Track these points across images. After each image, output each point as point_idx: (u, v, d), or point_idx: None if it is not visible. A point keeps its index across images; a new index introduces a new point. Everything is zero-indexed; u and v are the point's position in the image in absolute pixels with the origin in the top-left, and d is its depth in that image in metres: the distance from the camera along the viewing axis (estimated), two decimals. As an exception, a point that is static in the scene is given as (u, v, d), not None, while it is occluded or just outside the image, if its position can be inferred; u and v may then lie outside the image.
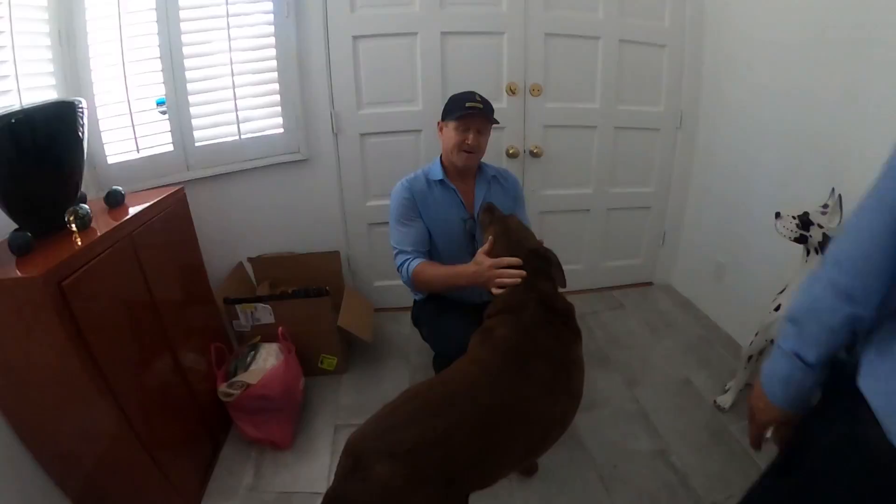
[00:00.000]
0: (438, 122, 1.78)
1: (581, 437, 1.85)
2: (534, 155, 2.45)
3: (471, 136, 1.68)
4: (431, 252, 1.77)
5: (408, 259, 1.70)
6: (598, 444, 1.83)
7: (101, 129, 1.92)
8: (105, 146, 1.95)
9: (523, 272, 1.38)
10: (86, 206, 1.48)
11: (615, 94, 2.43)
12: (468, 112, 1.65)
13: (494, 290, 1.41)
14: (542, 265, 1.42)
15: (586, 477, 1.70)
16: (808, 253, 1.64)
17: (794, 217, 1.61)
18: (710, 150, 2.49)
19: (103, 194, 1.67)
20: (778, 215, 1.64)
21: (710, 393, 2.04)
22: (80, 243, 1.37)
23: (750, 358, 1.91)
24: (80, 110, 1.48)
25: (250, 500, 1.67)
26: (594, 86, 2.41)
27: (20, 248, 1.30)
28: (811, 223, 1.58)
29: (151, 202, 1.66)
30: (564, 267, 1.44)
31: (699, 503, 1.59)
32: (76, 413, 1.40)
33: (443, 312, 1.75)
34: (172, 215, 1.76)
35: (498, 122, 1.75)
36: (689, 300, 2.74)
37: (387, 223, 2.29)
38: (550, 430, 1.30)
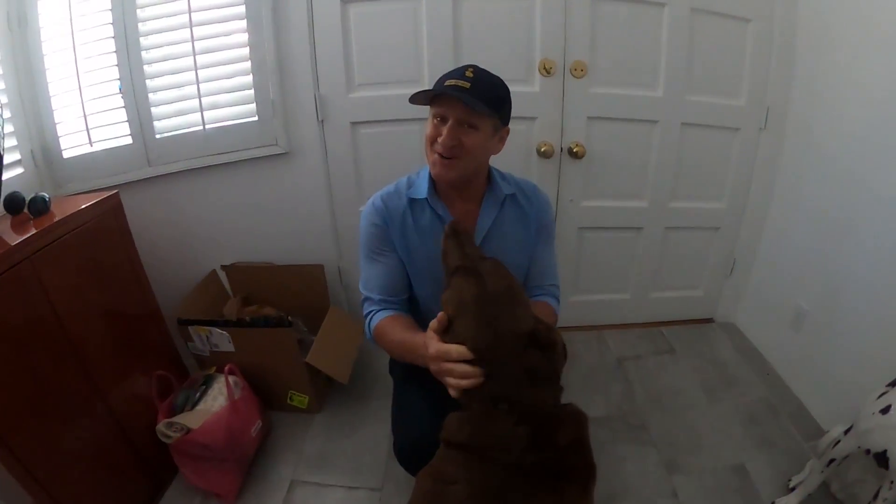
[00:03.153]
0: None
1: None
2: (573, 155, 1.94)
3: (445, 132, 1.11)
4: (412, 297, 1.34)
5: (372, 311, 1.28)
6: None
7: (56, 120, 1.71)
8: (60, 139, 1.73)
9: (477, 372, 0.88)
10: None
11: (684, 79, 1.87)
12: (448, 90, 1.09)
13: (451, 392, 0.95)
14: (540, 362, 0.91)
15: None
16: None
17: None
18: (801, 159, 1.90)
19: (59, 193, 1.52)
20: None
21: (769, 489, 1.56)
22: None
23: (832, 462, 1.42)
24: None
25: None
26: (656, 68, 1.85)
27: None
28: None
29: (67, 213, 1.39)
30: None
31: None
32: None
33: (408, 381, 1.33)
34: (101, 226, 1.50)
35: (487, 110, 1.11)
36: (756, 348, 2.19)
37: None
38: None
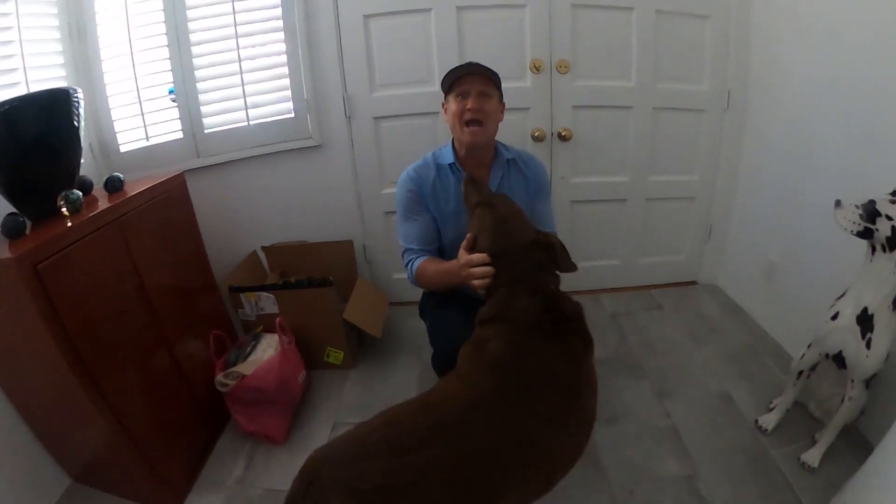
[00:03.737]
0: (442, 105, 1.57)
1: (598, 455, 1.65)
2: (562, 138, 2.23)
3: (471, 101, 1.43)
4: (441, 246, 1.62)
5: (413, 258, 1.57)
6: (617, 463, 1.62)
7: (113, 118, 1.95)
8: (117, 135, 1.97)
9: (490, 271, 1.18)
10: (77, 192, 1.47)
11: (653, 71, 2.17)
12: (464, 74, 1.44)
13: (478, 289, 1.22)
14: (543, 258, 1.20)
15: (597, 500, 1.50)
16: (874, 250, 1.35)
17: (857, 207, 1.32)
18: (762, 133, 2.17)
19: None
20: (838, 204, 1.36)
21: (752, 410, 1.77)
22: (69, 227, 1.35)
23: (800, 374, 1.64)
24: (76, 99, 1.49)
25: (237, 494, 1.62)
26: (629, 62, 2.16)
27: (12, 232, 1.31)
28: (878, 214, 1.29)
29: (144, 188, 1.63)
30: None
31: (727, 540, 1.36)
32: (61, 399, 1.39)
33: (443, 305, 1.59)
34: (169, 200, 1.73)
35: (498, 78, 1.48)
36: (737, 303, 2.43)
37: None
38: (555, 471, 1.09)
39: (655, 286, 2.58)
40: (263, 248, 2.26)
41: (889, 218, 1.27)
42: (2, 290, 1.21)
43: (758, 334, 2.19)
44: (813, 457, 1.53)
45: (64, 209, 1.42)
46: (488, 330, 1.15)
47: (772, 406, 1.74)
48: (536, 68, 2.14)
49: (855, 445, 1.55)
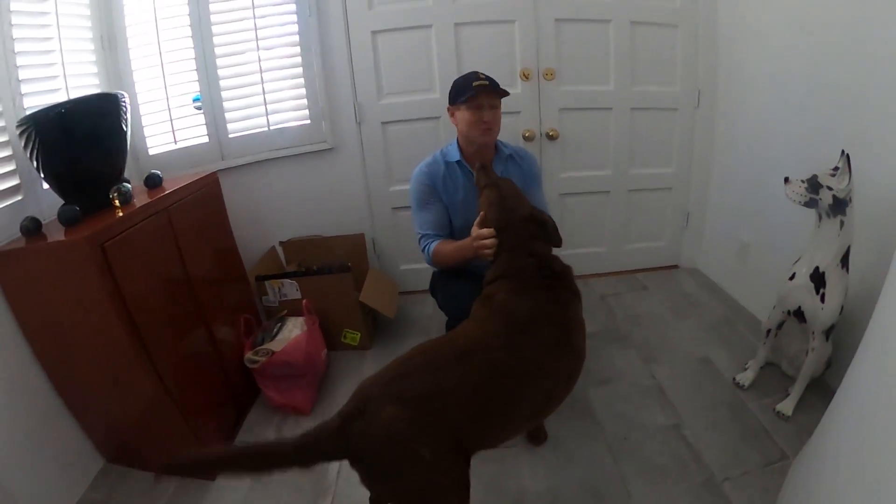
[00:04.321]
0: (448, 108, 1.81)
1: (593, 410, 1.83)
2: (550, 138, 2.45)
3: (485, 114, 1.70)
4: (452, 231, 1.83)
5: (429, 242, 1.78)
6: (610, 416, 1.80)
7: (143, 123, 2.11)
8: (147, 139, 2.13)
9: (495, 242, 1.43)
10: (128, 185, 1.64)
11: (629, 75, 2.41)
12: (479, 90, 1.68)
13: (486, 256, 1.47)
14: (537, 229, 1.45)
15: (595, 447, 1.68)
16: (820, 218, 1.56)
17: (802, 181, 1.54)
18: (730, 128, 2.40)
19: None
20: (787, 180, 1.57)
21: (730, 372, 1.95)
22: (125, 214, 1.52)
23: (769, 332, 1.83)
24: (123, 102, 1.65)
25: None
26: (607, 68, 2.39)
27: (69, 220, 1.46)
28: (820, 186, 1.50)
29: (186, 183, 1.81)
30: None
31: (712, 479, 1.52)
32: (115, 374, 1.51)
33: (453, 279, 1.80)
34: (206, 196, 1.90)
35: (508, 93, 1.75)
36: (714, 282, 2.64)
37: (409, 207, 2.38)
38: (555, 389, 1.30)
39: (640, 270, 2.78)
40: (281, 242, 2.43)
41: (829, 188, 1.48)
42: (71, 266, 1.36)
43: (734, 308, 2.39)
44: (787, 406, 1.71)
45: (116, 201, 1.59)
46: (494, 287, 1.38)
47: (747, 366, 1.91)
48: (525, 76, 2.37)
49: (823, 396, 1.70)
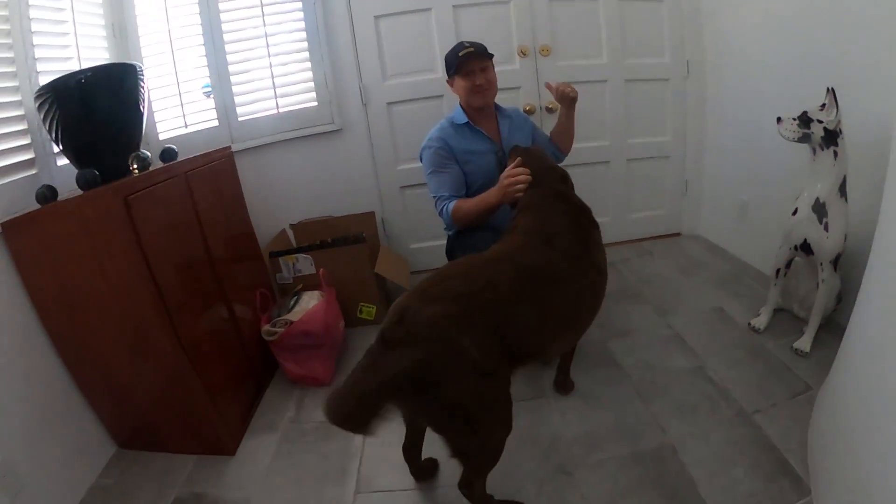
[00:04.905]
0: (447, 81, 1.91)
1: (615, 359, 1.83)
2: (549, 111, 2.51)
3: (478, 77, 1.80)
4: (467, 191, 1.86)
5: (445, 203, 1.80)
6: (634, 363, 1.80)
7: (154, 109, 2.11)
8: (157, 124, 2.14)
9: (527, 169, 1.54)
10: (147, 152, 1.63)
11: (621, 49, 2.48)
12: (464, 58, 1.78)
13: (517, 195, 1.54)
14: (560, 176, 1.60)
15: (623, 391, 1.67)
16: (815, 151, 1.61)
17: (794, 119, 1.60)
18: (720, 93, 2.48)
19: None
20: (779, 120, 1.63)
21: (744, 318, 1.96)
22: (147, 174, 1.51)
23: (778, 272, 1.85)
24: (141, 73, 1.65)
25: (292, 430, 1.70)
26: (600, 43, 2.47)
27: (88, 183, 1.44)
28: (811, 120, 1.56)
29: (199, 154, 1.81)
30: None
31: (742, 412, 1.52)
32: (135, 343, 1.46)
33: (473, 232, 1.81)
34: (221, 168, 1.91)
35: (492, 55, 1.84)
36: (718, 245, 2.67)
37: (417, 185, 2.41)
38: (583, 297, 1.37)
39: (644, 239, 2.82)
40: (291, 225, 2.42)
41: (819, 122, 1.55)
42: (93, 224, 1.33)
43: (739, 265, 2.42)
44: (804, 343, 1.72)
45: (135, 168, 1.58)
46: (519, 218, 1.44)
47: (760, 312, 1.92)
48: (523, 53, 2.44)
49: (836, 334, 1.68)
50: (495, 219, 1.74)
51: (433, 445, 1.36)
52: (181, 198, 1.63)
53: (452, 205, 1.77)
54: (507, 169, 1.61)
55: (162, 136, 2.15)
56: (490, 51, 1.85)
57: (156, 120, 2.13)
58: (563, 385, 1.69)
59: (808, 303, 1.79)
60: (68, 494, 1.46)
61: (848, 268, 1.68)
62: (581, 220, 1.45)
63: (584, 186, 2.59)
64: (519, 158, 1.62)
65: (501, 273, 1.18)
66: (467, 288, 1.11)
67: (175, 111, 2.17)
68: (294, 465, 1.56)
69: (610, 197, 2.72)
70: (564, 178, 1.60)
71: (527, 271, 1.21)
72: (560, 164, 1.82)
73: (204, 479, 1.53)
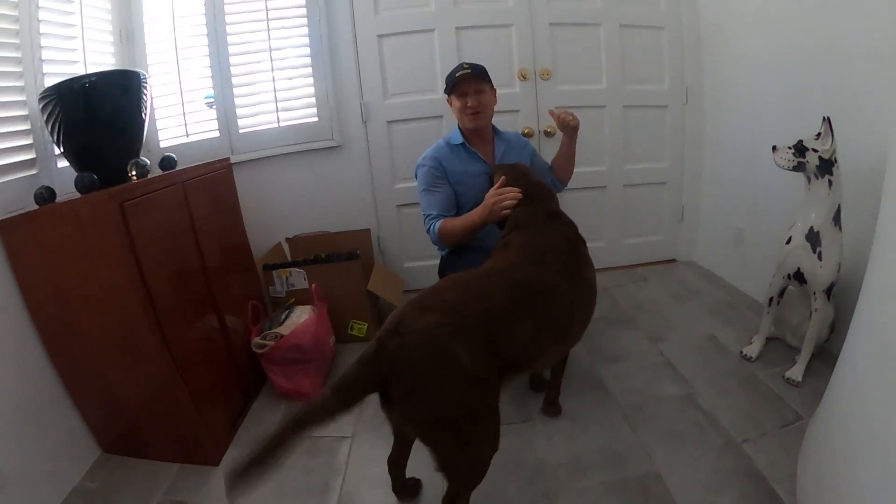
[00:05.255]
0: (447, 100, 1.92)
1: (605, 385, 1.81)
2: (547, 134, 2.54)
3: (470, 99, 1.81)
4: (458, 211, 1.86)
5: (433, 222, 1.82)
6: (623, 390, 1.78)
7: (156, 116, 2.14)
8: (159, 132, 2.16)
9: (518, 189, 1.56)
10: (146, 160, 1.64)
11: (620, 74, 2.52)
12: (461, 79, 1.80)
13: (503, 213, 1.55)
14: (547, 192, 1.63)
15: (611, 417, 1.65)
16: (810, 180, 1.62)
17: (789, 148, 1.62)
18: (718, 120, 2.51)
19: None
20: (774, 149, 1.65)
21: (736, 347, 1.95)
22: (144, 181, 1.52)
23: (771, 300, 1.84)
24: (145, 80, 1.68)
25: (278, 444, 1.67)
26: (600, 68, 2.51)
27: (86, 187, 1.45)
28: (806, 149, 1.58)
29: (198, 164, 1.82)
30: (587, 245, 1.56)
31: (730, 441, 1.50)
32: (124, 349, 1.45)
33: (464, 252, 1.82)
34: (219, 179, 1.92)
35: (489, 77, 1.86)
36: (712, 272, 2.67)
37: (414, 204, 2.41)
38: (575, 311, 1.39)
39: (639, 265, 2.81)
40: (287, 239, 2.42)
41: (815, 151, 1.56)
42: (88, 227, 1.33)
43: (734, 293, 2.42)
44: (796, 372, 1.71)
45: (134, 175, 1.59)
46: (510, 237, 1.47)
47: (752, 340, 1.91)
48: (523, 76, 2.47)
49: (829, 363, 1.67)
50: (486, 240, 1.74)
51: (418, 465, 1.35)
52: (178, 206, 1.63)
53: (439, 224, 1.79)
54: (492, 188, 1.62)
55: (163, 144, 2.17)
56: (490, 73, 1.87)
57: (157, 127, 2.16)
58: (551, 408, 1.67)
59: (801, 332, 1.78)
60: (51, 495, 1.45)
61: (841, 297, 1.67)
62: (570, 236, 1.50)
63: (581, 211, 2.63)
64: (504, 177, 1.63)
65: (496, 287, 1.21)
66: (462, 299, 1.14)
67: (177, 120, 2.20)
68: (277, 478, 1.52)
69: (606, 222, 2.73)
70: (551, 194, 1.64)
71: (520, 286, 1.24)
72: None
73: (186, 487, 1.51)
